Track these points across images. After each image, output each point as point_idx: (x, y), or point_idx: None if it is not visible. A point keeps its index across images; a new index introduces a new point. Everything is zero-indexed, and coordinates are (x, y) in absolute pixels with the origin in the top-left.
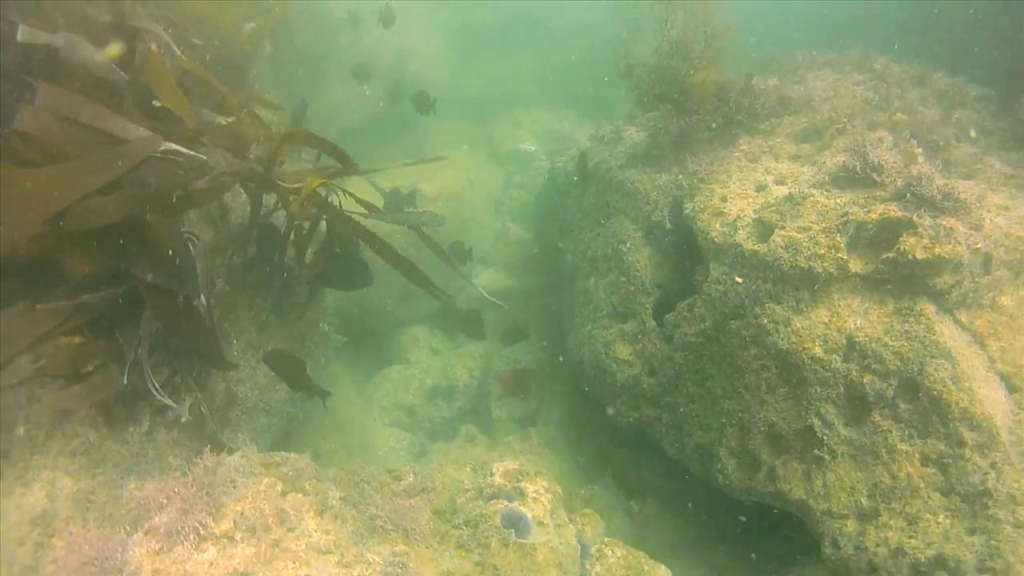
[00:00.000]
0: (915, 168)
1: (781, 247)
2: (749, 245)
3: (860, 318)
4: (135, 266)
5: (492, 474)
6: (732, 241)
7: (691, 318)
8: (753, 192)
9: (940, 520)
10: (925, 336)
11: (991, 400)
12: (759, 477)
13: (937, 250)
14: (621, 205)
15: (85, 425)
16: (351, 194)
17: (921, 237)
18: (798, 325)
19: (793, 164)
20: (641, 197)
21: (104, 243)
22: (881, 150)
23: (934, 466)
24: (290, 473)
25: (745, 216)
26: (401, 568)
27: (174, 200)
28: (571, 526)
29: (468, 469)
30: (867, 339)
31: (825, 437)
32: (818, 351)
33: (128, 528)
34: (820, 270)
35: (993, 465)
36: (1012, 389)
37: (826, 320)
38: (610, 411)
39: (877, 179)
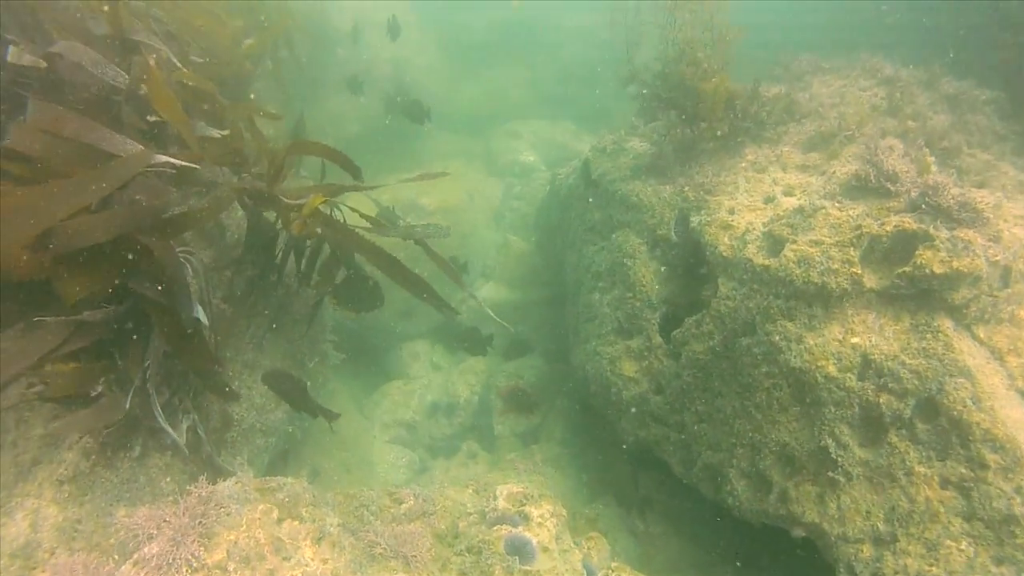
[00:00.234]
0: (930, 177)
1: (793, 262)
2: (760, 260)
3: (875, 335)
4: (137, 284)
5: (496, 497)
6: (742, 255)
7: (699, 335)
8: (761, 204)
9: (963, 547)
10: (943, 353)
11: (1013, 420)
12: (770, 499)
13: (955, 264)
14: (625, 218)
15: (74, 451)
16: (355, 209)
17: (938, 250)
18: (811, 342)
19: (802, 174)
20: (646, 210)
21: (99, 264)
22: (893, 158)
23: (954, 490)
24: (286, 499)
25: (754, 229)
26: None
27: (170, 220)
28: (577, 551)
29: (470, 491)
30: (883, 357)
31: (839, 458)
32: (832, 369)
33: (116, 558)
34: (834, 285)
35: (1018, 490)
36: None
37: (840, 337)
38: (621, 427)
39: (891, 188)
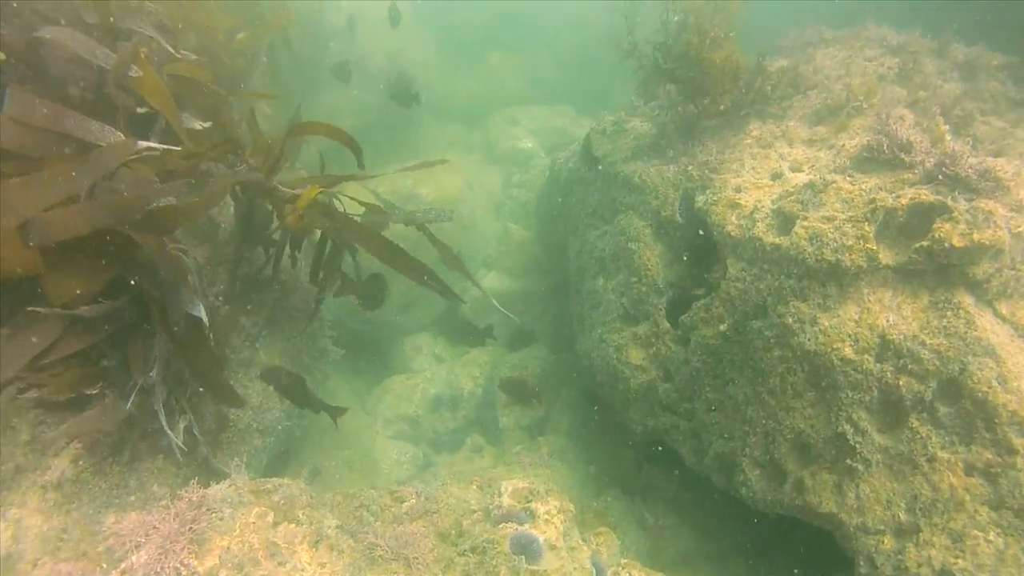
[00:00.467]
0: (946, 146)
1: (805, 239)
2: (769, 238)
3: (893, 314)
4: (139, 280)
5: (500, 494)
6: (751, 235)
7: (708, 319)
8: (769, 181)
9: (991, 538)
10: (965, 332)
11: None
12: (785, 489)
13: (976, 236)
14: (628, 201)
15: (61, 457)
16: (353, 198)
17: (957, 222)
18: (826, 324)
19: (809, 149)
20: (649, 191)
21: (91, 261)
22: (905, 128)
23: (980, 476)
24: (282, 501)
25: (763, 207)
26: None
27: (161, 214)
28: (585, 547)
29: (474, 488)
30: (902, 337)
31: (858, 445)
32: (848, 352)
33: (104, 567)
34: (848, 263)
35: None
36: None
37: (856, 317)
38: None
39: (905, 159)
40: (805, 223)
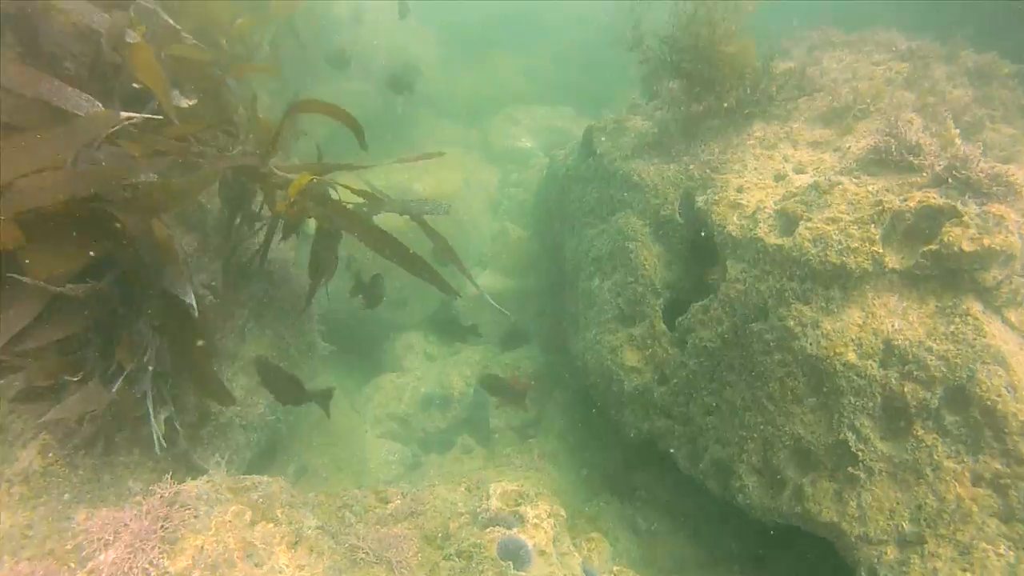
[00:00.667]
0: (956, 149)
1: (808, 241)
2: (772, 239)
3: (898, 319)
4: (130, 262)
5: (489, 496)
6: (752, 235)
7: (707, 320)
8: (772, 182)
9: (1001, 551)
10: (974, 339)
11: None
12: (784, 496)
13: (986, 241)
14: (627, 199)
15: (29, 449)
16: (346, 186)
17: (967, 227)
18: (828, 328)
19: (813, 151)
20: (649, 190)
21: (74, 239)
22: (914, 131)
23: (989, 487)
24: (260, 500)
25: (765, 208)
26: None
27: (149, 197)
28: (576, 554)
29: (462, 489)
30: (907, 343)
31: (860, 453)
32: (852, 357)
33: (72, 566)
34: (853, 266)
35: None
36: None
37: (860, 322)
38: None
39: (914, 162)
40: (809, 224)
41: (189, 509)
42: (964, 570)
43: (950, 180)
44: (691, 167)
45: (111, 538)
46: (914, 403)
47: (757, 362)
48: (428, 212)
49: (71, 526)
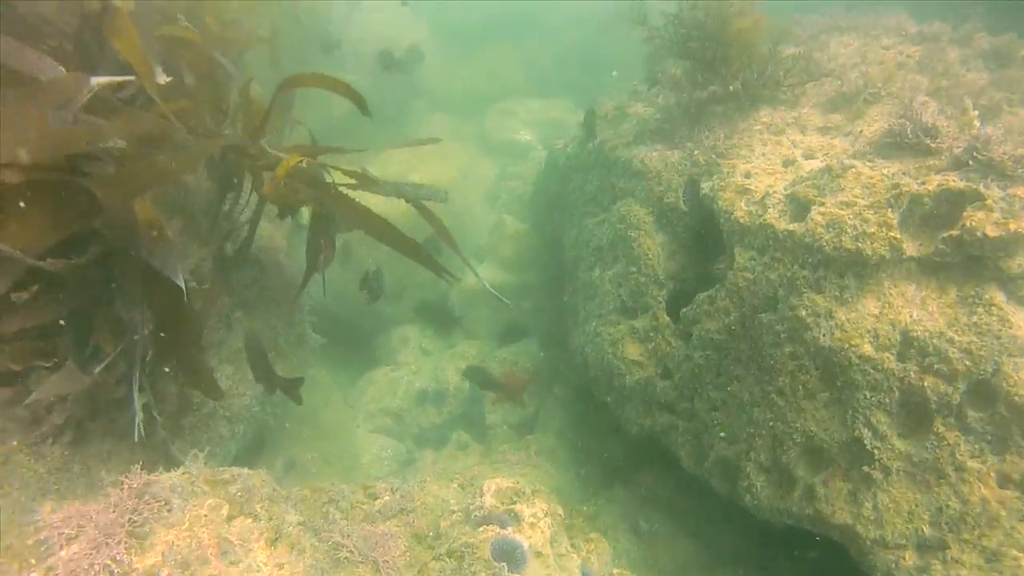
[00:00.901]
0: (976, 131)
1: (821, 226)
2: (782, 225)
3: (917, 309)
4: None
5: (482, 494)
6: (761, 221)
7: (713, 311)
8: (780, 167)
9: None
10: (999, 329)
11: None
12: (794, 497)
13: (1012, 226)
14: (629, 186)
15: None
16: (336, 167)
17: (991, 211)
18: (843, 318)
19: (823, 137)
20: (652, 176)
21: (50, 211)
22: (930, 113)
23: (1017, 489)
24: (239, 494)
25: (775, 193)
26: None
27: (130, 175)
28: (575, 555)
29: (455, 486)
30: (927, 334)
31: (876, 451)
32: (867, 349)
33: (34, 562)
34: (870, 252)
35: None
36: None
37: (876, 312)
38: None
39: (931, 145)
40: (822, 209)
41: (161, 502)
42: None
43: (971, 163)
44: (696, 153)
45: (74, 533)
46: (934, 398)
47: (766, 355)
48: (425, 197)
49: (35, 519)
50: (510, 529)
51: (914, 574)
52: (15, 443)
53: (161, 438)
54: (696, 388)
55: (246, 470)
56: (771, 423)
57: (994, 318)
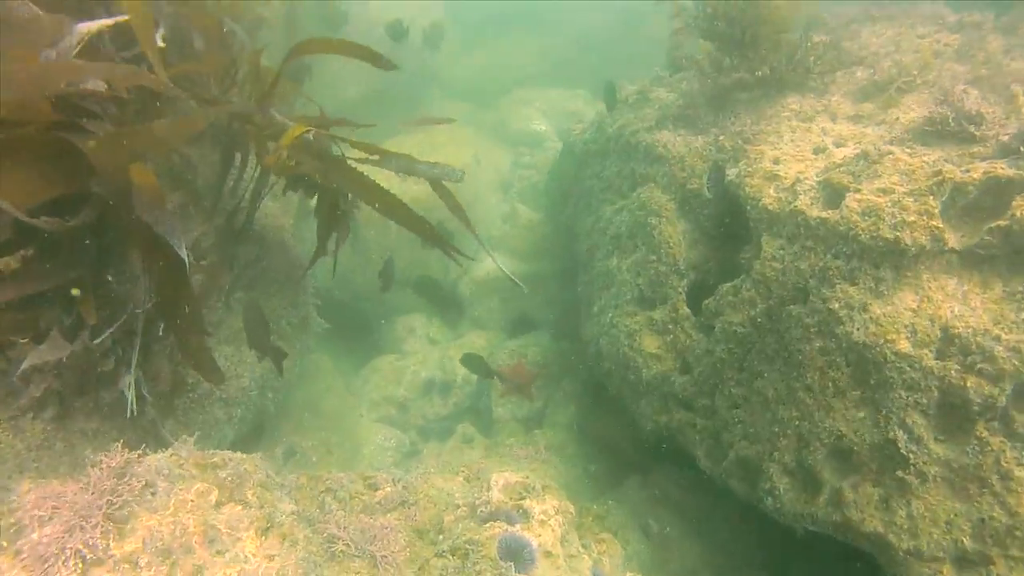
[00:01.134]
0: None
1: (857, 213)
2: (814, 212)
3: (958, 304)
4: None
5: (490, 488)
6: (792, 208)
7: (737, 303)
8: (811, 154)
9: None
10: None
11: None
12: (820, 501)
13: None
14: (650, 172)
15: None
16: (344, 139)
17: None
18: (878, 312)
19: (854, 125)
20: (674, 162)
21: (40, 168)
22: (973, 99)
23: None
24: (230, 479)
25: (806, 179)
26: None
27: (125, 138)
28: (586, 556)
29: (460, 479)
30: (970, 331)
31: (911, 455)
32: (904, 345)
33: (4, 544)
34: (909, 241)
35: None
36: None
37: (914, 306)
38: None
39: (975, 132)
40: (858, 196)
41: (147, 484)
42: None
43: (1022, 149)
44: (721, 138)
45: (48, 514)
46: (977, 400)
47: (794, 349)
48: (440, 176)
49: (11, 499)
50: (518, 526)
51: None
52: None
53: (151, 418)
54: (717, 384)
55: (239, 454)
56: (797, 422)
57: None
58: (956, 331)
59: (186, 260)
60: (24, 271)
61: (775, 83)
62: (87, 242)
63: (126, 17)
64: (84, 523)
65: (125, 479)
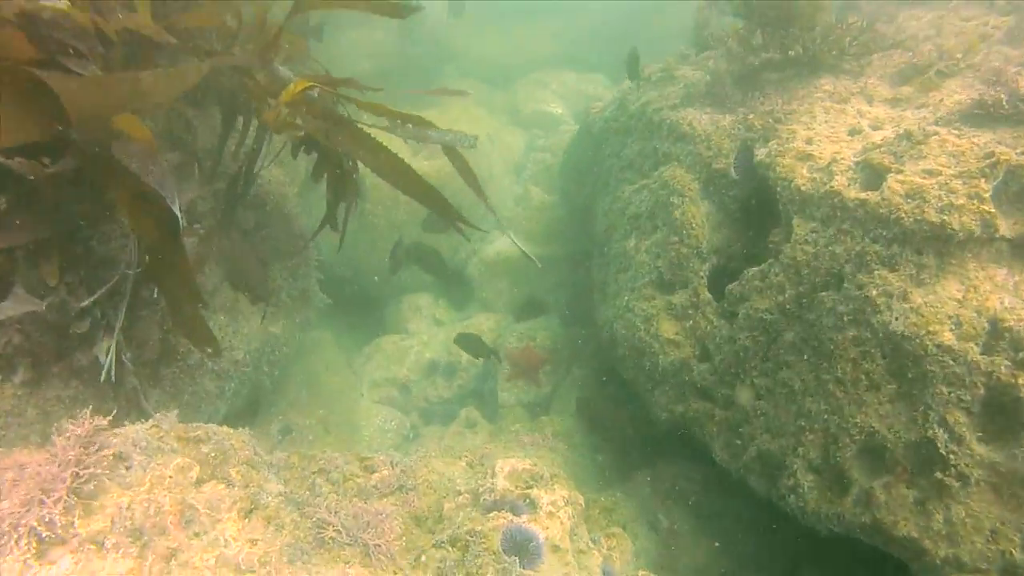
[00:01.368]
0: None
1: (900, 195)
2: (852, 193)
3: (1009, 296)
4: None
5: (494, 475)
6: (828, 188)
7: (764, 288)
8: (845, 136)
9: None
10: None
11: None
12: (847, 502)
13: None
14: (674, 150)
15: None
16: (351, 98)
17: None
18: (919, 301)
19: (892, 108)
20: (700, 140)
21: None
22: None
23: None
24: (213, 454)
25: (843, 159)
26: None
27: (108, 84)
28: (596, 552)
29: (463, 464)
30: (1022, 325)
31: (952, 456)
32: (947, 337)
33: None
34: (957, 226)
35: None
36: None
37: (959, 296)
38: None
39: None
40: (900, 177)
41: (119, 456)
42: None
43: None
44: (750, 117)
45: (7, 488)
46: None
47: (825, 339)
48: (453, 142)
49: None
50: (524, 517)
51: None
52: None
53: (133, 386)
54: (738, 373)
55: (224, 428)
56: (826, 416)
57: None
58: (1006, 324)
59: (179, 216)
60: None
61: (808, 63)
62: (67, 192)
63: None
64: (45, 497)
65: (94, 448)
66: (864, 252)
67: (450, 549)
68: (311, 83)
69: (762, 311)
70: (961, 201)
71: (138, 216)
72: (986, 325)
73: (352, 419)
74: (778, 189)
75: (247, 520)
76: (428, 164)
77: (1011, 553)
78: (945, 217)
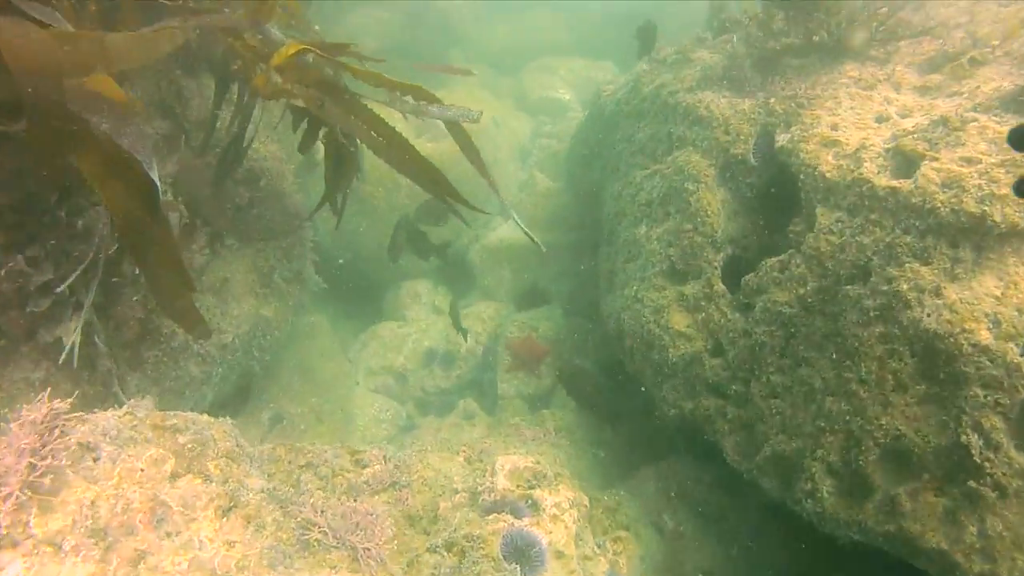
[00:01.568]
0: None
1: (936, 184)
2: (882, 181)
3: None
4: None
5: (494, 472)
6: (855, 176)
7: (784, 280)
8: (873, 123)
9: None
10: None
11: None
12: (869, 508)
13: None
14: (689, 135)
15: None
16: (349, 67)
17: None
18: (954, 296)
19: (921, 97)
20: (718, 125)
21: None
22: None
23: None
24: (190, 445)
25: (872, 146)
26: None
27: (73, 41)
28: (602, 558)
29: (460, 459)
30: None
31: (987, 464)
32: (984, 336)
33: None
34: (999, 218)
35: None
36: None
37: (997, 293)
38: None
39: None
40: (935, 164)
41: (84, 446)
42: None
43: None
44: (771, 101)
45: None
46: None
47: (849, 335)
48: (456, 117)
49: None
50: (526, 520)
51: None
52: None
53: (106, 369)
54: (753, 369)
55: (204, 417)
56: (847, 417)
57: None
58: None
59: (157, 184)
60: None
61: (832, 49)
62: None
63: None
64: None
65: (54, 436)
66: (894, 244)
67: (446, 554)
68: (305, 46)
69: (781, 304)
70: (1004, 191)
71: (109, 183)
72: None
73: (346, 408)
74: (801, 176)
75: (225, 519)
76: (432, 146)
77: None
78: (986, 208)
